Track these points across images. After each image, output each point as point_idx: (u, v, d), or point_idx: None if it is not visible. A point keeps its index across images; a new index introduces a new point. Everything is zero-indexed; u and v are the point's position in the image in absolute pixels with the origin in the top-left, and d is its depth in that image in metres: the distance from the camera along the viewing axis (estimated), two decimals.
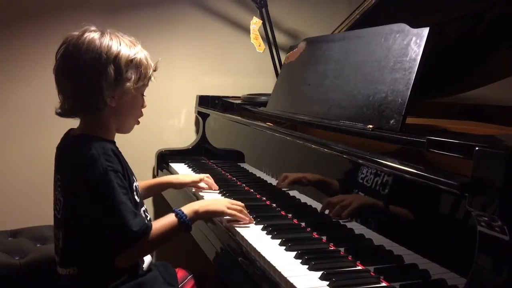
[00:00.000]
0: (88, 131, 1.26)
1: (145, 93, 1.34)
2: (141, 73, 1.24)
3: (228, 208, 1.33)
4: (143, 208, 1.32)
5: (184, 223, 1.24)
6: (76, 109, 1.24)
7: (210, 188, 1.70)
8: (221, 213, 1.33)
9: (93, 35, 1.21)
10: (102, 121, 1.26)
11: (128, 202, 1.17)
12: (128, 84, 1.22)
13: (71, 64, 1.22)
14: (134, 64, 1.23)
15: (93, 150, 1.18)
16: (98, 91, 1.19)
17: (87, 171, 1.17)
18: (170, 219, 1.25)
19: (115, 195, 1.15)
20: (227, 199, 1.42)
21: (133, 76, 1.22)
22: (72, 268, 1.23)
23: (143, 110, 1.34)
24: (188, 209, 1.28)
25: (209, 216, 1.36)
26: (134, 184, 1.29)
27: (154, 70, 1.30)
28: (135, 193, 1.27)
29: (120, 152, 1.30)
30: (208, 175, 1.73)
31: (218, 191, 1.69)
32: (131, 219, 1.15)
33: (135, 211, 1.18)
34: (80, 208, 1.20)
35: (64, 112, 1.25)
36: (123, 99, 1.24)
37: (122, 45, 1.22)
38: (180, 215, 1.25)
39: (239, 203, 1.38)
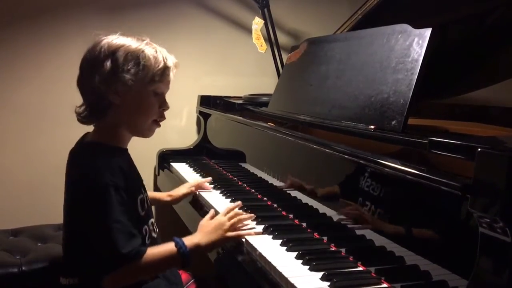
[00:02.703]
0: (100, 138, 1.24)
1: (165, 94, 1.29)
2: (143, 66, 1.18)
3: (230, 230, 1.25)
4: (151, 221, 1.28)
5: (183, 255, 1.16)
6: (88, 114, 1.22)
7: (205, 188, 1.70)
8: (225, 241, 1.25)
9: (102, 37, 1.19)
10: (113, 126, 1.23)
11: (125, 221, 1.11)
12: (127, 76, 1.16)
13: (80, 68, 1.22)
14: (134, 56, 1.17)
15: (98, 161, 1.15)
16: (98, 87, 1.17)
17: (89, 182, 1.14)
18: (168, 247, 1.17)
19: (112, 212, 1.10)
20: (223, 219, 1.28)
21: (132, 69, 1.17)
22: (71, 278, 1.21)
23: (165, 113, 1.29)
24: (189, 240, 1.19)
25: (213, 249, 1.27)
26: (140, 197, 1.24)
27: (168, 67, 1.23)
28: (139, 206, 1.22)
29: (130, 161, 1.27)
30: (199, 181, 1.72)
31: (218, 191, 1.69)
32: (122, 239, 1.09)
33: (131, 232, 1.12)
34: (78, 216, 1.18)
35: (80, 117, 1.23)
36: (128, 96, 1.19)
37: (125, 40, 1.19)
38: (180, 246, 1.16)
39: (237, 211, 1.31)
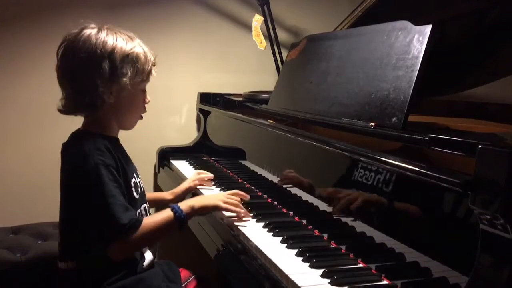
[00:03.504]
0: (88, 128, 1.27)
1: (146, 89, 1.33)
2: (137, 68, 1.24)
3: (224, 202, 1.34)
4: (144, 206, 1.32)
5: (180, 218, 1.24)
6: (75, 107, 1.24)
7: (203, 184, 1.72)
8: (216, 208, 1.34)
9: (89, 32, 1.21)
10: (102, 118, 1.26)
11: (119, 196, 1.17)
12: (124, 79, 1.21)
13: (68, 63, 1.22)
14: (130, 59, 1.22)
15: (85, 145, 1.19)
16: (94, 88, 1.19)
17: (79, 166, 1.18)
18: (166, 213, 1.25)
19: (105, 189, 1.15)
20: (223, 193, 1.43)
21: (129, 72, 1.22)
22: (70, 262, 1.23)
23: (146, 106, 1.34)
24: (184, 204, 1.29)
25: (205, 211, 1.36)
26: (133, 180, 1.28)
27: (154, 65, 1.29)
28: (133, 189, 1.27)
29: (120, 148, 1.30)
30: (201, 173, 1.74)
31: (219, 189, 1.69)
32: (120, 212, 1.15)
33: (126, 205, 1.18)
34: (74, 202, 1.22)
35: (65, 109, 1.25)
36: (121, 95, 1.24)
37: (118, 40, 1.22)
38: (176, 210, 1.25)
39: (236, 198, 1.38)
